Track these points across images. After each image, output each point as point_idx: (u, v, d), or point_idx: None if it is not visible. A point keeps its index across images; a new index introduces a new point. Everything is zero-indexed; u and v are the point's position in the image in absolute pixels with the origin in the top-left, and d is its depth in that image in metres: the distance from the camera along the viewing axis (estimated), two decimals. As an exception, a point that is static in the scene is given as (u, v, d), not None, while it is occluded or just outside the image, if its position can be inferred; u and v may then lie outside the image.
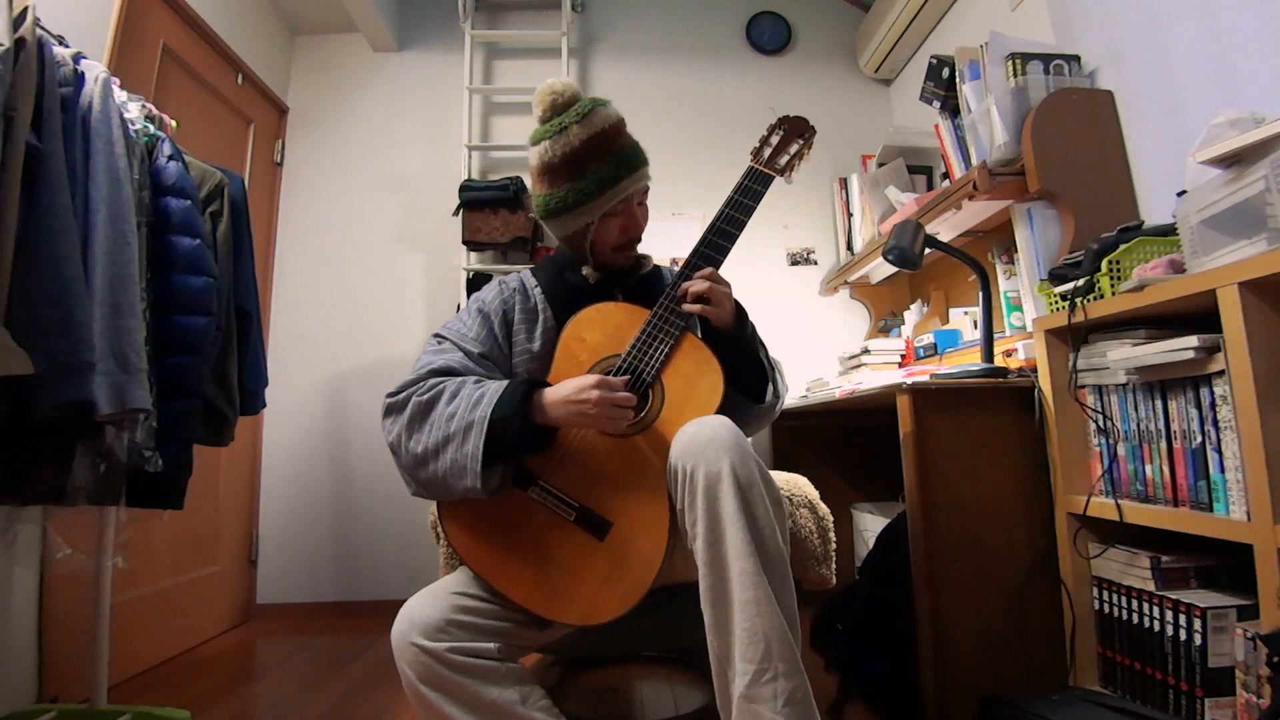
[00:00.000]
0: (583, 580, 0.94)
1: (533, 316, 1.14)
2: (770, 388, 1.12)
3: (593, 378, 0.96)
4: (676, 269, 1.12)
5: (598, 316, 1.09)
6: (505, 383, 0.99)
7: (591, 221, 1.11)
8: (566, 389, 0.96)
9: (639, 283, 1.19)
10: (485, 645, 0.89)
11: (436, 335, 1.11)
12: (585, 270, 1.17)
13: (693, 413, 0.98)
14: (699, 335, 1.08)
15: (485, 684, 0.87)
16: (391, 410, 1.00)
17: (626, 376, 1.01)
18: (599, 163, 1.08)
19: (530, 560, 0.96)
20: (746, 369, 1.10)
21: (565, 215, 1.11)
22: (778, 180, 1.15)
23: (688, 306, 1.04)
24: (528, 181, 2.56)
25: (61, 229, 1.10)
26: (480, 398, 0.96)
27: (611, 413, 0.95)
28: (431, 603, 0.92)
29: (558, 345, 1.08)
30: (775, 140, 1.16)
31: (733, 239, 1.08)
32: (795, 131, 1.17)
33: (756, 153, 1.16)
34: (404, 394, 1.00)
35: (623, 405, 0.96)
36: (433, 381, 1.01)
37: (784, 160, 1.15)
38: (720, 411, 0.96)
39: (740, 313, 1.10)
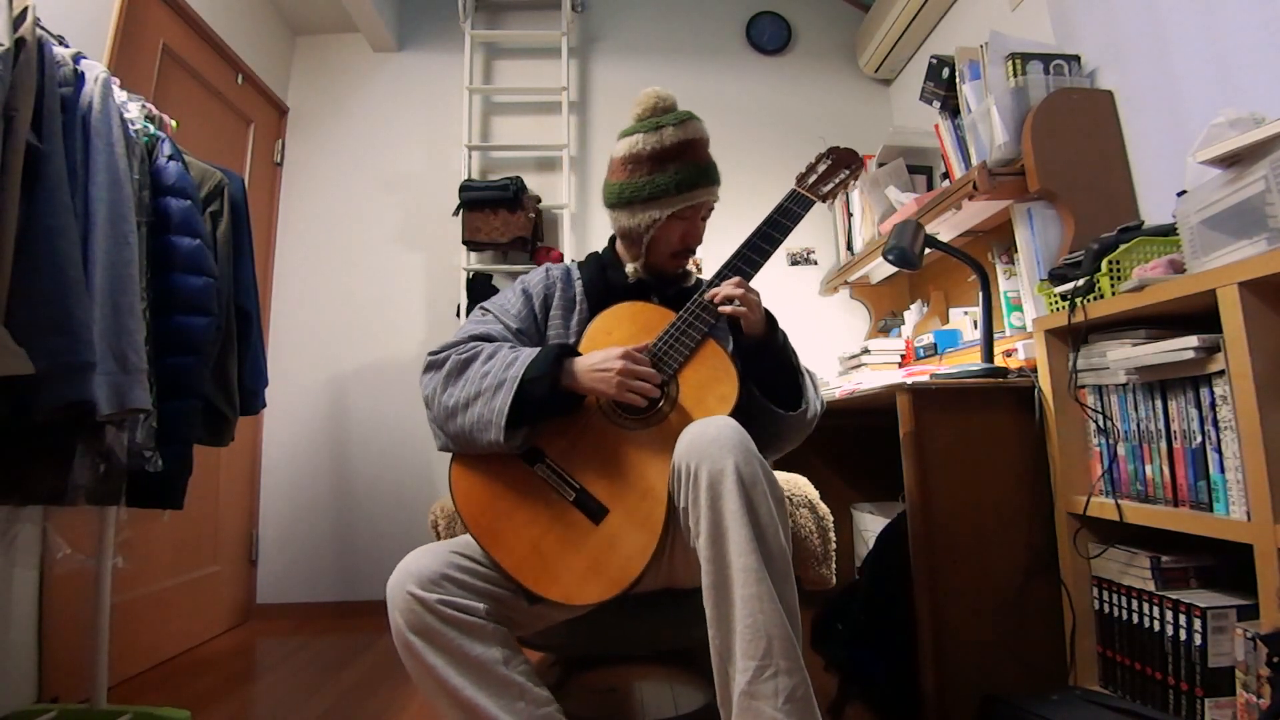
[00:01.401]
0: (572, 560, 0.96)
1: (570, 305, 1.19)
2: (803, 398, 1.12)
3: (620, 349, 1.00)
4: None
5: (628, 313, 1.12)
6: (540, 348, 1.04)
7: (659, 218, 1.14)
8: (594, 357, 1.01)
9: (679, 292, 1.21)
10: (474, 604, 0.92)
11: (481, 308, 1.19)
12: (630, 268, 1.20)
13: (702, 416, 0.99)
14: (728, 348, 1.10)
15: (470, 639, 0.89)
16: (431, 366, 1.07)
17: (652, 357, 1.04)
18: (682, 165, 1.13)
19: (526, 532, 0.98)
20: (778, 376, 1.11)
21: (636, 206, 1.15)
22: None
23: (721, 307, 1.05)
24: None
25: (62, 229, 1.09)
26: (514, 359, 1.01)
27: (632, 384, 0.98)
28: (429, 557, 0.95)
29: (585, 336, 1.11)
30: (822, 168, 1.20)
31: (766, 255, 1.11)
32: (842, 162, 1.20)
33: (801, 178, 1.20)
34: (445, 352, 1.07)
35: (643, 380, 0.99)
36: (473, 344, 1.08)
37: (827, 188, 1.19)
38: (746, 424, 0.96)
39: (771, 321, 1.12)
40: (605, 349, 1.01)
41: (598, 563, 0.95)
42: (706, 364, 1.05)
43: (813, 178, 1.19)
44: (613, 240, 1.27)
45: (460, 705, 0.88)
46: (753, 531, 0.84)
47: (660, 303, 1.16)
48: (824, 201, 1.19)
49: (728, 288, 1.06)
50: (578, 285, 1.21)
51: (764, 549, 0.84)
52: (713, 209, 1.20)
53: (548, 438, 1.03)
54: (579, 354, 1.04)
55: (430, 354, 1.09)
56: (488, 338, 1.10)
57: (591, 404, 1.05)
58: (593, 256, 1.27)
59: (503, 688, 0.89)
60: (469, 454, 1.03)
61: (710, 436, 0.89)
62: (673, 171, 1.13)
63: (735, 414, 0.99)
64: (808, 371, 1.18)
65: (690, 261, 1.23)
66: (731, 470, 0.86)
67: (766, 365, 1.09)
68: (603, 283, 1.20)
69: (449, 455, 1.06)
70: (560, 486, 1.00)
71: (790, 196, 1.16)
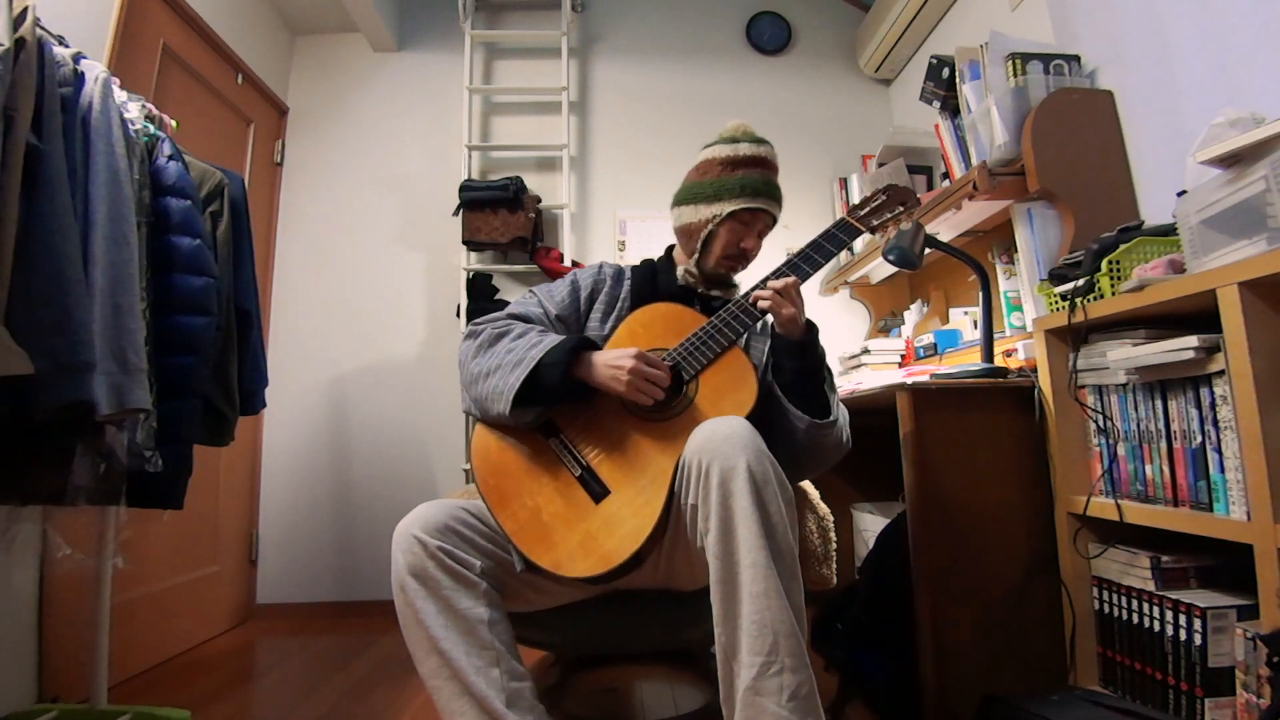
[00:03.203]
0: (567, 533, 0.98)
1: (613, 303, 1.23)
2: (830, 411, 1.11)
3: (634, 350, 1.03)
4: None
5: (661, 313, 1.16)
6: (564, 336, 1.08)
7: (720, 214, 1.18)
8: (609, 355, 1.04)
9: (722, 304, 1.21)
10: (472, 559, 0.96)
11: (530, 290, 1.25)
12: (681, 270, 1.24)
13: (715, 417, 0.99)
14: (759, 361, 1.14)
15: (461, 591, 0.93)
16: (471, 335, 1.15)
17: (666, 363, 1.06)
18: (751, 172, 1.19)
19: (529, 498, 1.02)
20: (808, 379, 1.11)
21: (701, 203, 1.21)
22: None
23: (764, 293, 1.08)
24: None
25: (62, 229, 1.09)
26: (538, 342, 1.06)
27: (641, 385, 1.00)
28: (438, 509, 0.99)
29: (618, 329, 1.15)
30: (876, 203, 1.22)
31: (805, 274, 1.12)
32: (897, 199, 1.22)
33: (854, 209, 1.22)
34: (484, 325, 1.15)
35: (653, 381, 1.01)
36: (509, 321, 1.15)
37: (878, 221, 1.21)
38: (766, 441, 0.95)
39: (812, 328, 1.13)
40: (622, 348, 1.04)
41: (590, 540, 0.97)
42: (728, 369, 1.07)
43: (865, 210, 1.21)
44: (670, 248, 1.31)
45: (437, 654, 0.90)
46: (762, 529, 0.85)
47: (701, 310, 1.17)
48: (873, 233, 1.22)
49: (779, 282, 1.08)
50: (626, 286, 1.24)
51: (773, 546, 0.85)
52: (770, 228, 1.23)
53: (566, 415, 1.07)
54: (599, 348, 1.08)
55: (473, 323, 1.16)
56: (526, 318, 1.16)
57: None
58: (647, 261, 1.31)
59: (482, 649, 0.91)
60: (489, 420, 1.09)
61: (723, 435, 0.90)
62: (741, 175, 1.19)
63: (756, 426, 0.98)
64: (838, 396, 1.18)
65: (739, 272, 1.25)
66: (743, 468, 0.86)
67: (795, 366, 1.10)
68: (650, 286, 1.24)
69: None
70: (568, 462, 1.04)
71: (839, 224, 1.18)
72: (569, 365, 1.03)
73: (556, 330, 1.17)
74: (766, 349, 1.18)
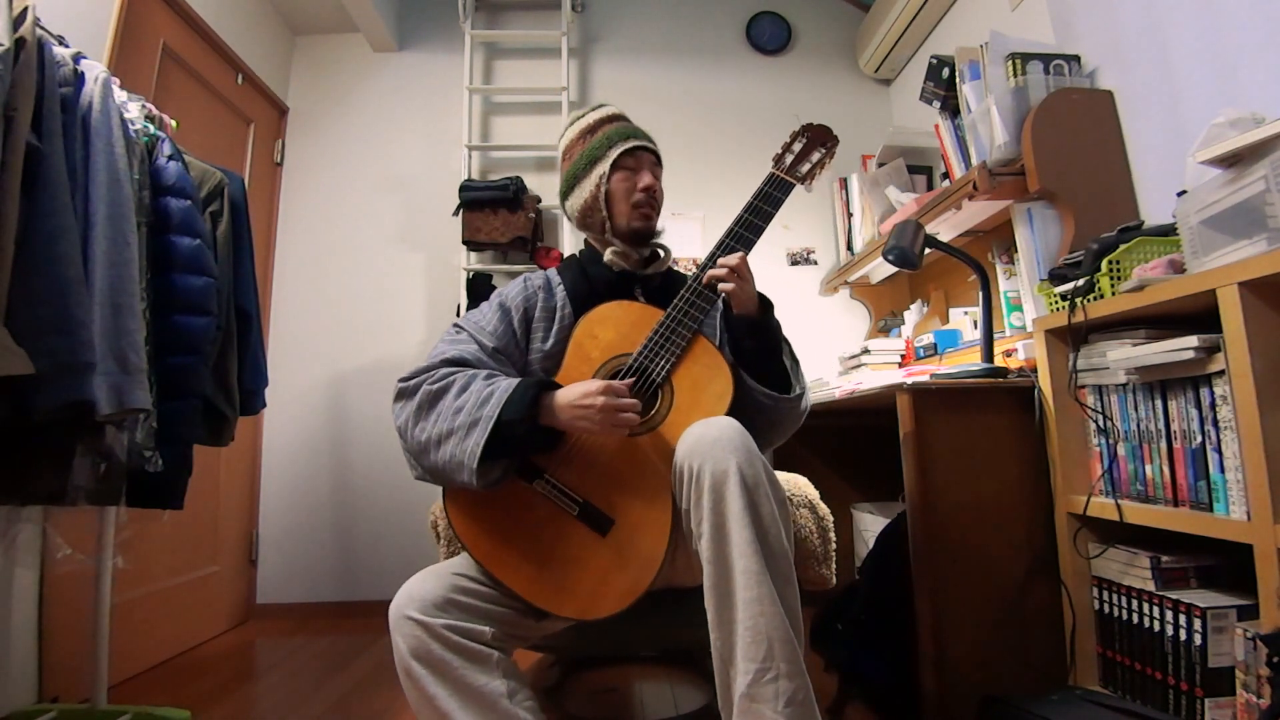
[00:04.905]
0: (583, 575, 0.95)
1: (552, 314, 1.14)
2: (794, 382, 1.10)
3: (598, 383, 0.96)
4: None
5: (612, 314, 1.09)
6: (515, 382, 0.98)
7: (604, 171, 1.15)
8: (573, 393, 0.96)
9: (661, 284, 1.19)
10: (480, 628, 0.89)
11: (455, 325, 1.13)
12: (608, 255, 1.16)
13: (700, 416, 0.97)
14: (715, 340, 1.08)
15: (475, 668, 0.87)
16: (402, 395, 1.02)
17: (632, 380, 1.01)
18: (610, 127, 1.19)
19: (532, 552, 0.96)
20: (770, 358, 1.09)
21: (583, 178, 1.17)
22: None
23: (717, 273, 1.04)
24: (528, 181, 2.56)
25: (62, 229, 1.10)
26: (489, 396, 0.95)
27: (616, 419, 0.95)
28: (432, 580, 0.92)
29: (570, 341, 1.08)
30: (797, 148, 1.17)
31: (750, 244, 1.08)
32: (818, 140, 1.17)
33: (778, 159, 1.16)
34: (415, 380, 1.02)
35: (627, 411, 0.95)
36: (445, 371, 1.02)
37: (805, 169, 1.15)
38: (736, 418, 0.95)
39: (765, 303, 1.10)
40: (584, 384, 0.97)
41: (609, 576, 0.94)
42: (699, 362, 1.03)
43: (789, 158, 1.16)
44: (587, 240, 1.25)
45: None
46: (755, 533, 0.84)
47: (645, 295, 1.14)
48: (803, 184, 1.15)
49: (731, 259, 1.04)
50: (559, 292, 1.17)
51: (766, 551, 0.84)
52: (659, 164, 1.21)
53: (545, 453, 1.01)
54: (558, 385, 1.00)
55: (401, 380, 1.03)
56: (462, 361, 1.05)
57: None
58: (571, 259, 1.24)
59: None
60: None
61: (712, 437, 0.89)
62: (603, 132, 1.19)
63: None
64: (797, 359, 1.17)
65: (657, 218, 1.20)
66: (734, 471, 0.85)
67: (756, 345, 1.07)
68: (585, 283, 1.17)
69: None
70: (562, 502, 0.98)
71: (769, 181, 1.13)
72: (535, 416, 0.96)
73: (501, 367, 1.07)
74: (719, 325, 1.14)
